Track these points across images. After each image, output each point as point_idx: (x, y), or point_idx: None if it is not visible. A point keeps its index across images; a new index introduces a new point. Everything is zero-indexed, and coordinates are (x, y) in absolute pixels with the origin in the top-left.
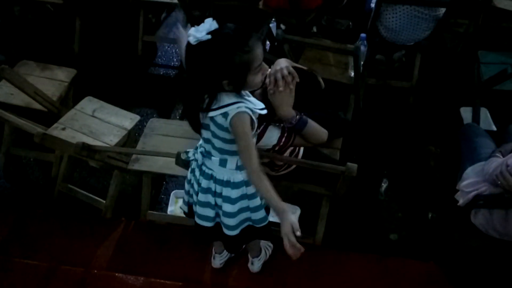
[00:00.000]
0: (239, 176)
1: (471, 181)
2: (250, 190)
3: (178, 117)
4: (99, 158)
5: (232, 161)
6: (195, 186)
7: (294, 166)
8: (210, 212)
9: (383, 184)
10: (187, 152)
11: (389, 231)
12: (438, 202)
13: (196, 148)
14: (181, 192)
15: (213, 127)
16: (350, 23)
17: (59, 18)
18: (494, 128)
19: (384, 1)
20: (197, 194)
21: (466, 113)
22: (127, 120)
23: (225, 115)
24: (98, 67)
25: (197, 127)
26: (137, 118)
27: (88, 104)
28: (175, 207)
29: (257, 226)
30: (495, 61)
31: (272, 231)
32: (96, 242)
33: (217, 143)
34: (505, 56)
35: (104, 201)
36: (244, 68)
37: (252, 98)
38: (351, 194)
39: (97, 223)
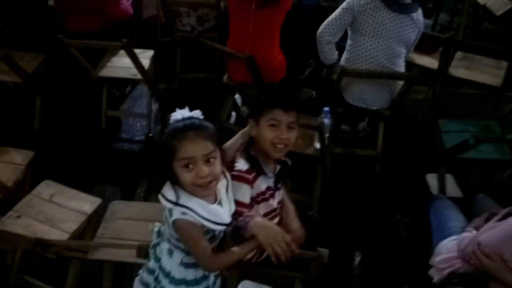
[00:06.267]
0: (181, 274)
1: (444, 257)
2: None
3: (142, 194)
4: (54, 251)
5: (177, 255)
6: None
7: (265, 254)
8: None
9: (356, 257)
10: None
11: None
12: (414, 276)
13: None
14: None
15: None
16: (313, 93)
17: (19, 96)
18: (461, 195)
19: (346, 74)
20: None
21: (432, 179)
22: (87, 203)
23: (170, 212)
24: (59, 145)
25: None
26: (98, 201)
27: (46, 188)
28: None
29: None
30: (455, 129)
31: None
32: None
33: (167, 231)
34: (464, 124)
35: None
36: (168, 152)
37: (215, 209)
38: (324, 270)
39: None
